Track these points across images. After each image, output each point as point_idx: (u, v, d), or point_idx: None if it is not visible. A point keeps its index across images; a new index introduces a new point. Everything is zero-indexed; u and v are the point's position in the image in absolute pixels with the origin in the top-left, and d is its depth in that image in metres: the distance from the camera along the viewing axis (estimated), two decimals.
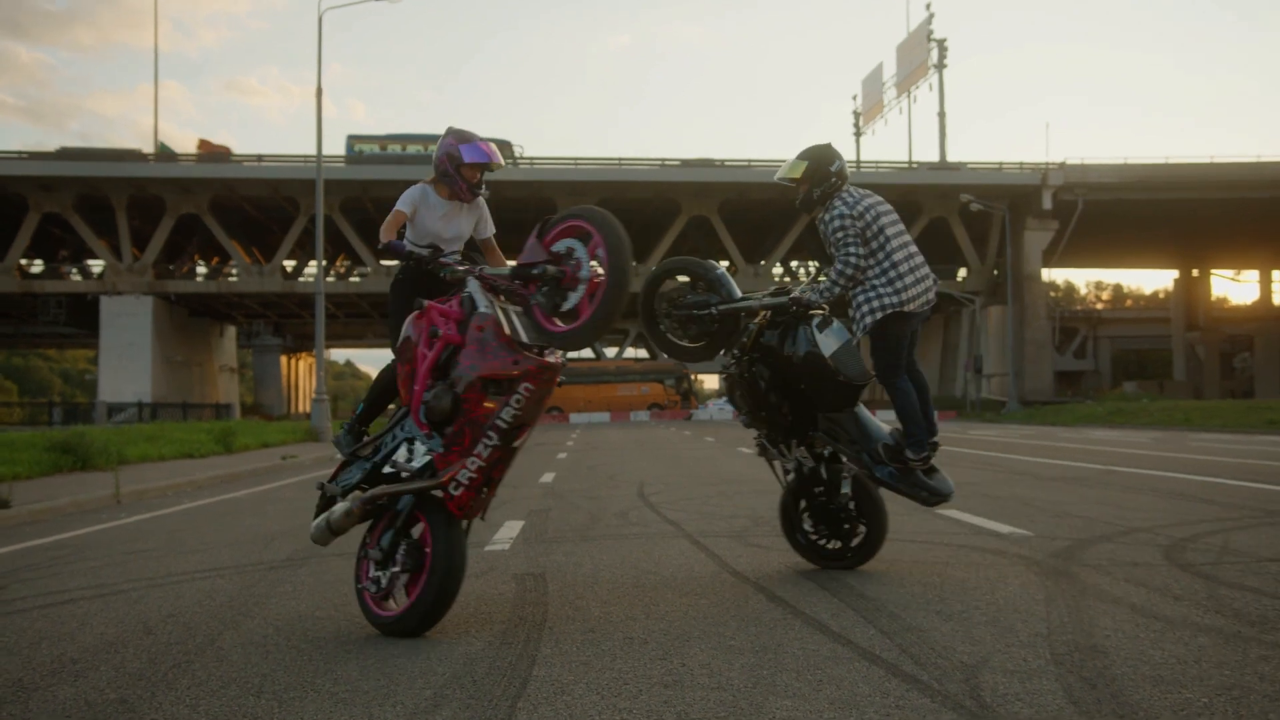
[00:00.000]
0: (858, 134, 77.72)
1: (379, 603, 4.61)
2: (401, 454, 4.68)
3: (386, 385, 5.14)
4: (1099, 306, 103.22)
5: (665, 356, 6.59)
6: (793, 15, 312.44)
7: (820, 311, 5.74)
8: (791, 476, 6.06)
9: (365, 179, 54.84)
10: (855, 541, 5.86)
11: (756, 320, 5.92)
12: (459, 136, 5.12)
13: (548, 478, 13.70)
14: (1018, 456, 16.77)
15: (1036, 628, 4.33)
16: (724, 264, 66.28)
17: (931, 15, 63.90)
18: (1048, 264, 61.50)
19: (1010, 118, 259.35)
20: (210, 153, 57.90)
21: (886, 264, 5.56)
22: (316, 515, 4.97)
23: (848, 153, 73.48)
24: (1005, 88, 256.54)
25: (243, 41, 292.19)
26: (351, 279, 65.07)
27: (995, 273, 60.18)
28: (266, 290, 59.10)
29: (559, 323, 4.57)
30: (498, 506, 10.03)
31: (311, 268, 65.16)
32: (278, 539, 7.91)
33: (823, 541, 5.97)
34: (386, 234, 4.94)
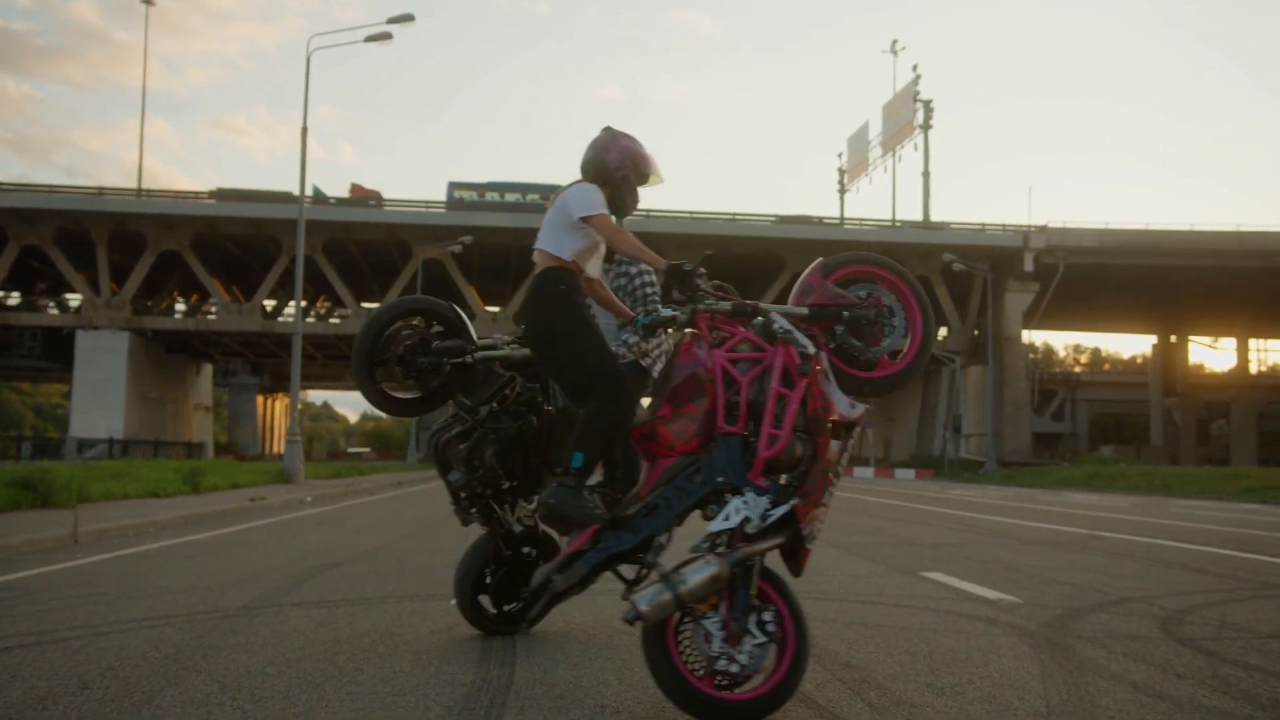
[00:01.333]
0: (842, 191, 78.19)
1: (730, 684, 3.88)
2: (738, 508, 3.96)
3: (611, 429, 4.38)
4: (1077, 370, 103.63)
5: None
6: (778, 72, 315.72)
7: None
8: (485, 541, 5.60)
9: (348, 220, 54.80)
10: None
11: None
12: (636, 143, 4.79)
13: None
14: (999, 518, 16.52)
15: (1035, 706, 4.06)
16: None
17: (918, 77, 64.52)
18: (1028, 325, 61.75)
19: (993, 177, 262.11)
20: (361, 196, 57.98)
21: None
22: (536, 603, 4.95)
23: (832, 210, 73.85)
24: (989, 147, 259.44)
25: (232, 81, 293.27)
26: (331, 320, 64.73)
27: (976, 333, 60.34)
28: (245, 329, 58.79)
29: (859, 369, 4.48)
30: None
31: (291, 307, 64.88)
32: (236, 585, 7.57)
33: (506, 606, 5.63)
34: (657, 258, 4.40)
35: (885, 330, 4.48)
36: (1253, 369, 77.42)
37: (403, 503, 20.22)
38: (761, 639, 3.87)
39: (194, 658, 4.96)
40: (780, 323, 4.15)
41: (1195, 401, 75.71)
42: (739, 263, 59.06)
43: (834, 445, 3.98)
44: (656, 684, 3.82)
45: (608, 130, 4.79)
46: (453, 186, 60.00)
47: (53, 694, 4.23)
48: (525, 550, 5.61)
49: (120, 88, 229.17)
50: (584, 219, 4.52)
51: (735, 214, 59.97)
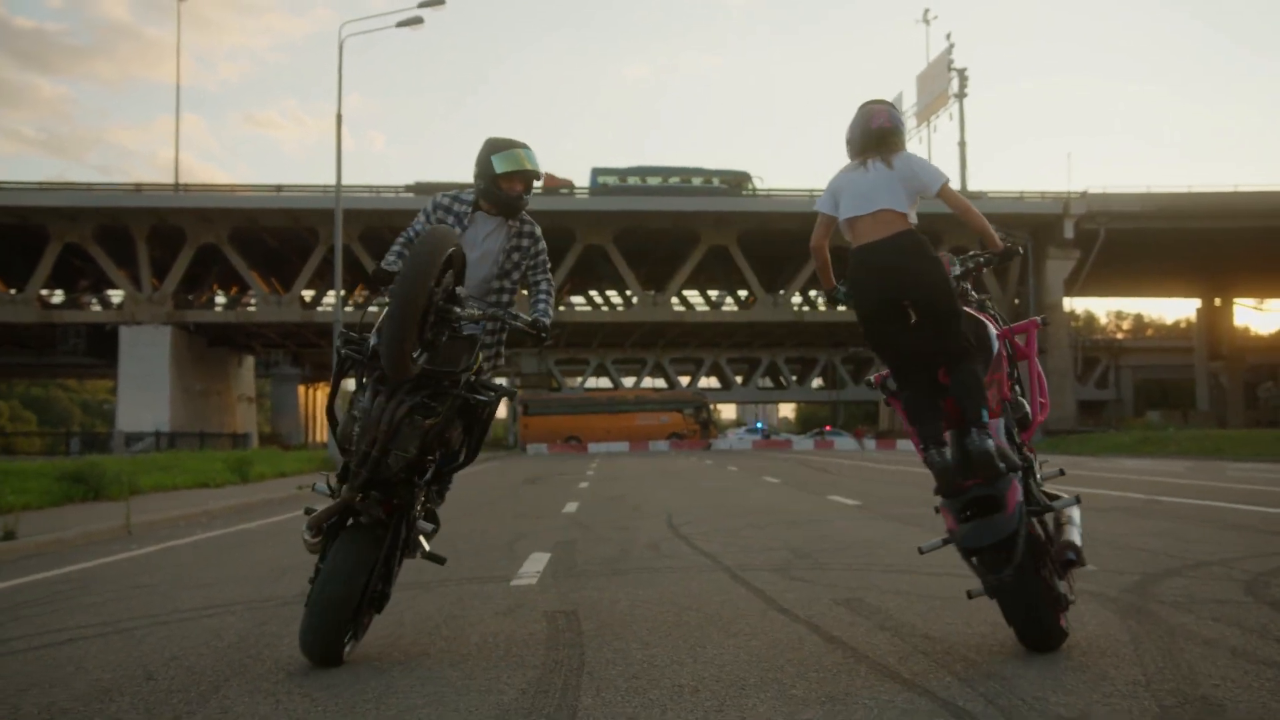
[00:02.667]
0: None
1: None
2: None
3: None
4: (1120, 336, 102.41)
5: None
6: (810, 45, 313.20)
7: None
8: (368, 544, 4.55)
9: (385, 209, 54.80)
10: None
11: None
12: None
13: (571, 508, 13.27)
14: (1055, 487, 16.22)
15: (1132, 674, 3.88)
16: (742, 293, 66.15)
17: (952, 45, 63.55)
18: (1069, 293, 60.95)
19: (1031, 147, 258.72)
20: (553, 185, 58.62)
21: None
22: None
23: None
24: (1027, 117, 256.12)
25: (262, 75, 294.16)
26: (370, 309, 64.90)
27: (1016, 301, 59.62)
28: (285, 320, 59.00)
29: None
30: (521, 537, 9.62)
31: (330, 297, 65.14)
32: (290, 572, 7.49)
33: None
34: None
35: None
36: None
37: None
38: None
39: (257, 646, 4.87)
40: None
41: (1241, 364, 74.51)
42: (776, 238, 58.68)
43: None
44: None
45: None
46: (596, 172, 60.50)
47: (118, 685, 4.15)
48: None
49: (152, 84, 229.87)
50: (944, 187, 4.52)
51: (770, 190, 59.57)
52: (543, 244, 5.05)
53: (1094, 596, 5.61)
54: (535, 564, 7.61)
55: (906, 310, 4.34)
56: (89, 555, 9.18)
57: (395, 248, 4.74)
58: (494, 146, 4.82)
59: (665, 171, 60.42)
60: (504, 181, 4.78)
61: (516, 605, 5.84)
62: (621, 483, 19.95)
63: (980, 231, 4.63)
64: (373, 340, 4.55)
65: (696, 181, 59.28)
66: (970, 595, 4.32)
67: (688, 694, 3.80)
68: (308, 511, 4.59)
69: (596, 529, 10.33)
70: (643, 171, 60.77)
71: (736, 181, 59.75)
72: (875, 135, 4.60)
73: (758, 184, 59.68)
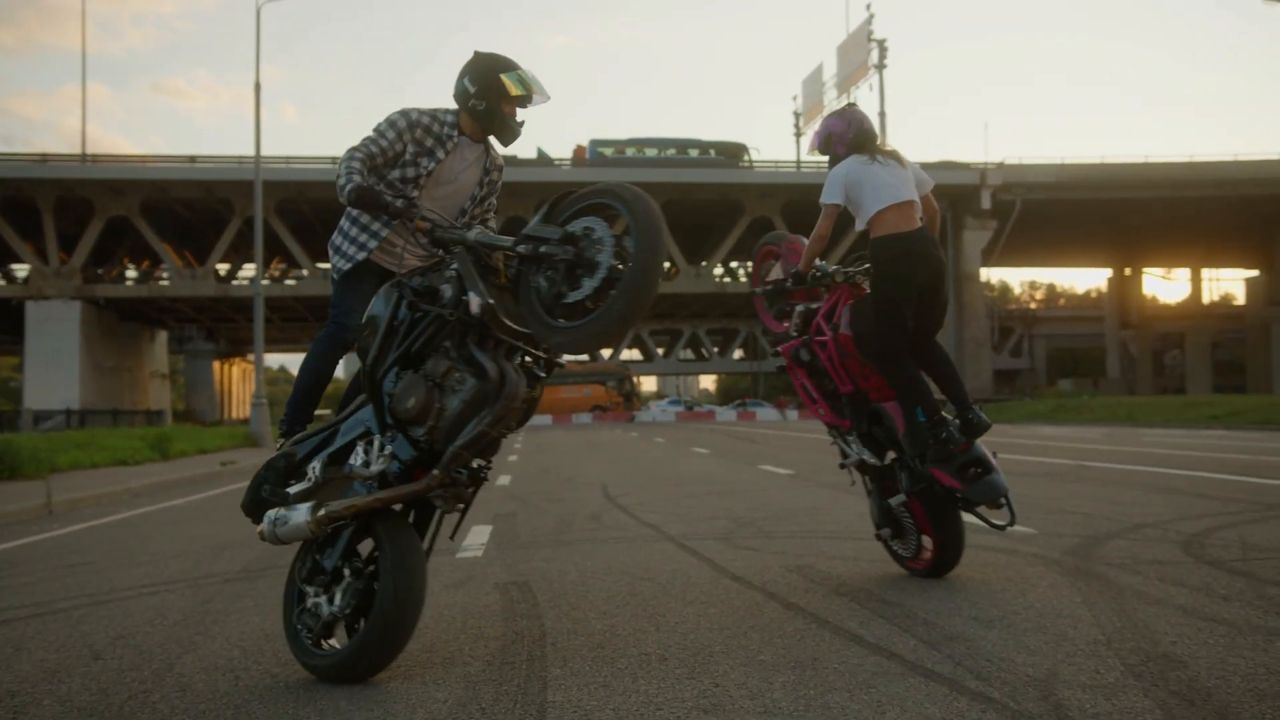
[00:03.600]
0: (798, 134, 77.74)
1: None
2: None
3: None
4: (1033, 306, 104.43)
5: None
6: (730, 17, 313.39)
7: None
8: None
9: (301, 180, 53.83)
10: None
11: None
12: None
13: (503, 480, 13.19)
14: None
15: (1091, 634, 3.94)
16: (665, 264, 66.10)
17: (871, 16, 63.93)
18: (986, 263, 61.94)
19: (950, 115, 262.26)
20: (583, 156, 57.86)
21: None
22: None
23: (789, 153, 73.73)
24: (945, 85, 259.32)
25: (170, 43, 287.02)
26: (287, 282, 63.82)
27: None
28: (200, 294, 57.84)
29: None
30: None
31: (246, 270, 63.90)
32: (228, 549, 7.34)
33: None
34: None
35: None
36: (1205, 299, 78.33)
37: None
38: None
39: (205, 623, 4.75)
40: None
41: (1150, 333, 76.46)
42: (698, 210, 58.80)
43: None
44: None
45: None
46: (595, 144, 60.25)
47: (64, 666, 4.01)
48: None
49: (55, 51, 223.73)
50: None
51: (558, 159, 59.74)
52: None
53: (1039, 559, 5.69)
54: (478, 536, 7.53)
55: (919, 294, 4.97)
56: (10, 535, 8.90)
57: (355, 164, 3.97)
58: (501, 65, 4.22)
59: (662, 143, 61.08)
60: (510, 105, 4.22)
61: (466, 578, 5.76)
62: (550, 455, 19.88)
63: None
64: (474, 298, 3.58)
65: (693, 153, 59.78)
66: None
67: (655, 662, 3.78)
68: (274, 497, 3.94)
69: (533, 501, 10.27)
70: (640, 143, 61.15)
71: (733, 153, 60.17)
72: (870, 135, 5.19)
73: (754, 155, 60.30)
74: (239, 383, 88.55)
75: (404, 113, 4.22)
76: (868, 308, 5.06)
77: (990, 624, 4.17)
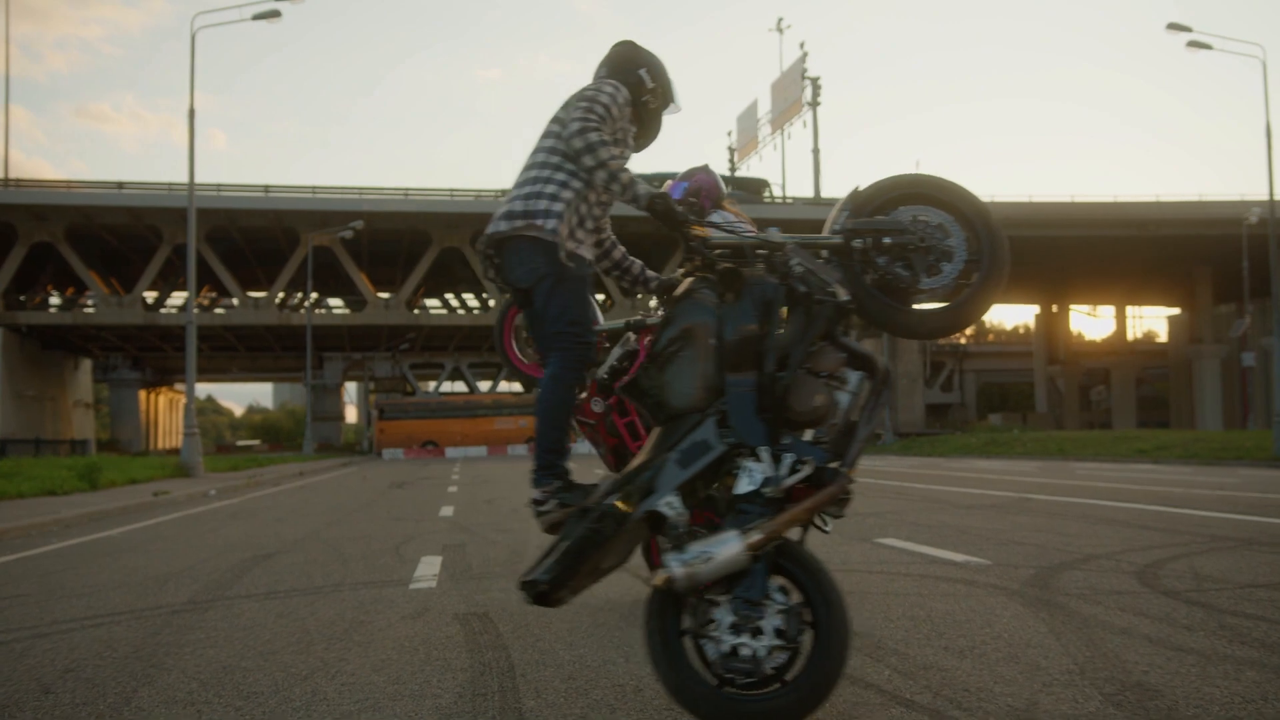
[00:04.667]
0: (733, 169, 78.36)
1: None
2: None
3: None
4: (963, 341, 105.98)
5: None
6: (666, 53, 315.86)
7: None
8: None
9: (232, 208, 53.15)
10: None
11: None
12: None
13: (447, 511, 13.02)
14: (921, 485, 16.65)
15: (1063, 664, 3.95)
16: (600, 296, 66.18)
17: (805, 54, 64.93)
18: None
19: (882, 151, 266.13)
20: None
21: None
22: None
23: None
24: (877, 123, 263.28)
25: (95, 67, 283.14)
26: (217, 310, 62.86)
27: None
28: (126, 322, 56.72)
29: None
30: (407, 541, 9.38)
31: (175, 299, 62.85)
32: (171, 580, 7.14)
33: None
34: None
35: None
36: (1130, 336, 80.00)
37: (311, 492, 19.64)
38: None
39: (157, 655, 4.59)
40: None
41: (1077, 369, 77.89)
42: (635, 242, 58.99)
43: None
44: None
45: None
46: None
47: (13, 700, 3.85)
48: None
49: None
50: None
51: (502, 191, 59.80)
52: None
53: (998, 589, 5.72)
54: (429, 567, 7.41)
55: None
56: None
57: (614, 150, 3.63)
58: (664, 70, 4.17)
59: (662, 178, 60.89)
60: (665, 113, 4.20)
61: (423, 609, 5.65)
62: (491, 486, 19.69)
63: None
64: (840, 289, 3.44)
65: None
66: None
67: (631, 693, 3.72)
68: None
69: (480, 532, 10.14)
70: (659, 178, 60.97)
71: (755, 188, 60.25)
72: (724, 196, 5.48)
73: (775, 190, 60.62)
74: (165, 412, 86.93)
75: (620, 89, 3.88)
76: None
77: (962, 654, 4.16)
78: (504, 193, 53.03)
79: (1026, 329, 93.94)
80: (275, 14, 28.23)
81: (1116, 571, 6.30)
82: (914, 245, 3.58)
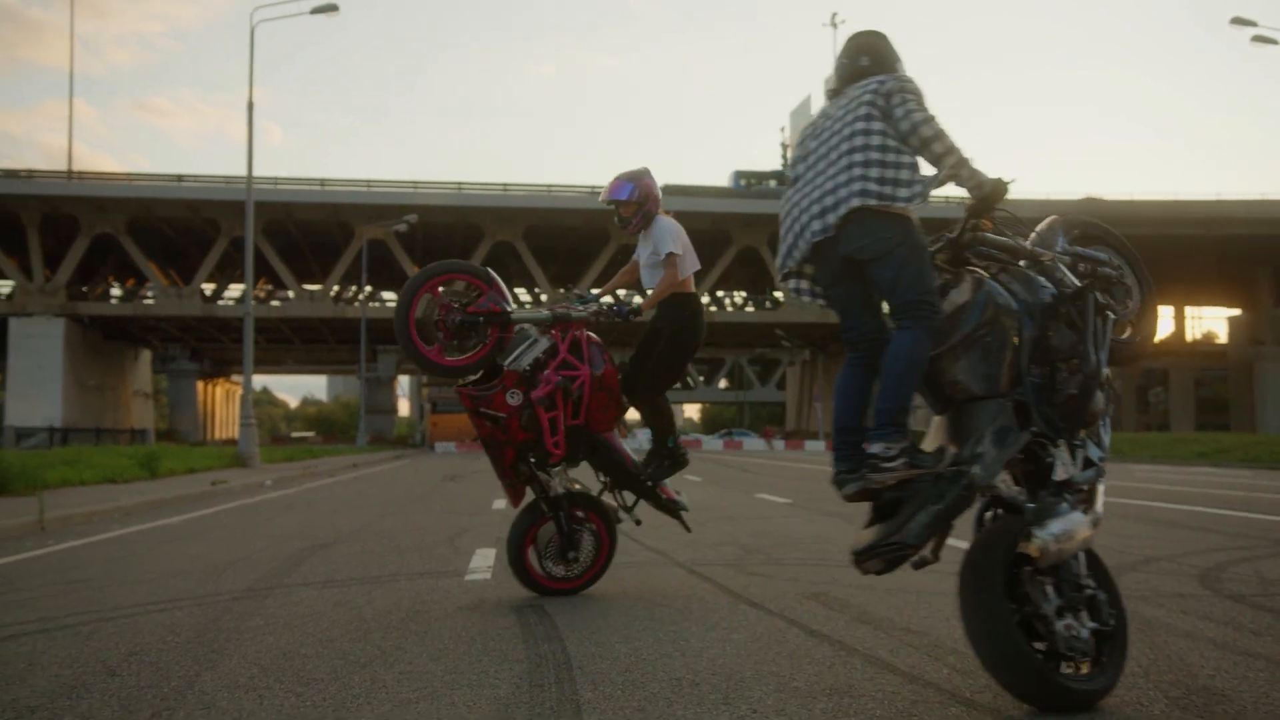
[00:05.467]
0: (785, 165, 78.09)
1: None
2: None
3: None
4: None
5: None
6: (719, 49, 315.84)
7: None
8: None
9: (289, 201, 53.74)
10: None
11: None
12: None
13: (500, 504, 13.05)
14: None
15: (1128, 666, 3.88)
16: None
17: None
18: None
19: None
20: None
21: (781, 213, 4.10)
22: None
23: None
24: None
25: (154, 61, 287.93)
26: (273, 303, 63.58)
27: None
28: (185, 314, 57.61)
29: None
30: (461, 533, 9.44)
31: (232, 291, 63.69)
32: (230, 567, 7.24)
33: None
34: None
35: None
36: (1189, 337, 78.76)
37: (366, 483, 19.82)
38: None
39: (218, 640, 4.66)
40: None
41: (1135, 370, 76.85)
42: (563, 233, 58.56)
43: None
44: None
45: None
46: (738, 175, 60.78)
47: (82, 682, 3.92)
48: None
49: (37, 69, 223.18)
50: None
51: (686, 187, 59.71)
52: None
53: None
54: (483, 559, 7.45)
55: None
56: (3, 551, 8.75)
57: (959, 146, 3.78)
58: None
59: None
60: None
61: (478, 600, 5.69)
62: None
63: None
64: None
65: None
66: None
67: (687, 687, 3.71)
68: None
69: None
70: (780, 175, 61.90)
71: None
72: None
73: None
74: (222, 403, 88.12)
75: None
76: (651, 349, 5.75)
77: None
78: (551, 187, 53.15)
79: None
80: (333, 8, 28.50)
81: (1178, 574, 6.20)
82: (1115, 280, 4.06)
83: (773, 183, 61.69)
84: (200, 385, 76.45)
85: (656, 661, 4.12)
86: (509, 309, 5.47)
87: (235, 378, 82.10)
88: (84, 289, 59.28)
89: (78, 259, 54.17)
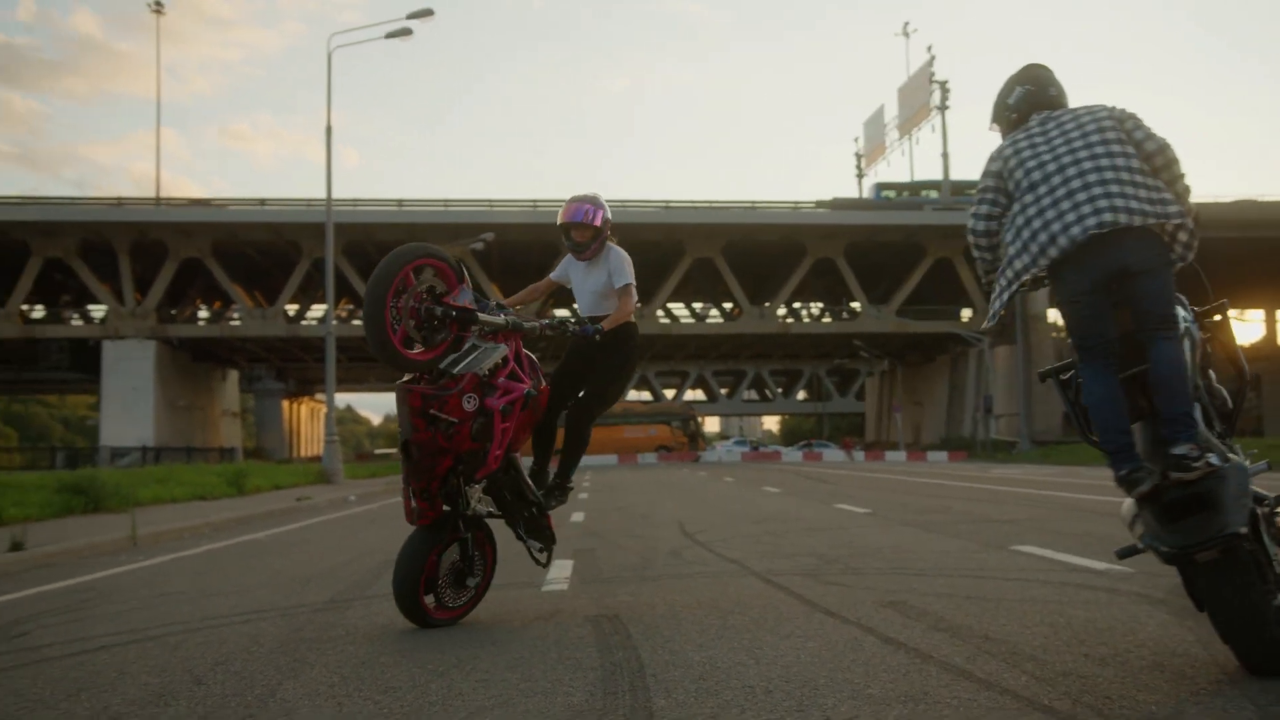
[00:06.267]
0: (860, 176, 77.66)
1: None
2: None
3: None
4: None
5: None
6: (789, 59, 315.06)
7: None
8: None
9: (368, 222, 54.60)
10: None
11: None
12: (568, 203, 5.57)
13: (578, 517, 13.16)
14: (1061, 494, 16.22)
15: (1212, 674, 3.81)
16: (728, 305, 66.21)
17: (933, 58, 64.02)
18: (1051, 304, 61.13)
19: None
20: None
21: (1019, 218, 4.14)
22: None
23: (850, 193, 73.60)
24: None
25: (235, 88, 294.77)
26: (354, 322, 64.53)
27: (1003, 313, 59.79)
28: (269, 334, 58.73)
29: None
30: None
31: (314, 311, 64.84)
32: (313, 580, 7.38)
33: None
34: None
35: None
36: None
37: None
38: None
39: (300, 650, 4.75)
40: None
41: (1225, 373, 74.90)
42: (760, 251, 58.74)
43: None
44: None
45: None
46: (879, 187, 61.39)
47: (169, 690, 4.03)
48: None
49: (124, 99, 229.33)
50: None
51: (754, 202, 59.63)
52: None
53: (1142, 598, 5.54)
54: (560, 570, 7.50)
55: None
56: (98, 566, 9.03)
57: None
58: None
59: (942, 185, 61.79)
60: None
61: (555, 610, 5.73)
62: (622, 493, 19.84)
63: None
64: None
65: (973, 194, 60.30)
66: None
67: (760, 694, 3.71)
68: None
69: (611, 537, 10.23)
70: (920, 185, 62.07)
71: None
72: None
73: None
74: (306, 421, 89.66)
75: None
76: (586, 373, 5.86)
77: (1104, 662, 4.05)
78: (625, 203, 53.27)
79: None
80: (407, 32, 28.97)
81: None
82: None
83: (933, 193, 61.38)
84: (285, 404, 77.90)
85: (730, 669, 4.12)
86: (477, 307, 5.29)
87: (319, 396, 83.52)
88: (173, 312, 60.73)
89: (167, 282, 55.55)
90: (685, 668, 4.17)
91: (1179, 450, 3.71)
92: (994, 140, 4.53)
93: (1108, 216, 3.87)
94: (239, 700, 3.83)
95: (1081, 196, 3.94)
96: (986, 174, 4.35)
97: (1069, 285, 4.02)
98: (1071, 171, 4.00)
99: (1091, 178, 3.96)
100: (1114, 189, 3.91)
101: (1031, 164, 4.14)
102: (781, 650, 4.46)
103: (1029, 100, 4.36)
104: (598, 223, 5.71)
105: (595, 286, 5.73)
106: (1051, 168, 4.07)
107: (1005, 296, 4.22)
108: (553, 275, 5.94)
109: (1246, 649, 3.63)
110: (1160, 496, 3.76)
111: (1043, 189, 4.06)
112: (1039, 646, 4.36)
